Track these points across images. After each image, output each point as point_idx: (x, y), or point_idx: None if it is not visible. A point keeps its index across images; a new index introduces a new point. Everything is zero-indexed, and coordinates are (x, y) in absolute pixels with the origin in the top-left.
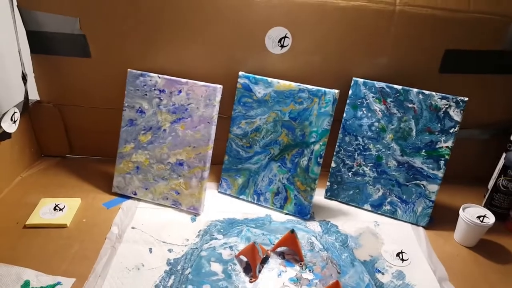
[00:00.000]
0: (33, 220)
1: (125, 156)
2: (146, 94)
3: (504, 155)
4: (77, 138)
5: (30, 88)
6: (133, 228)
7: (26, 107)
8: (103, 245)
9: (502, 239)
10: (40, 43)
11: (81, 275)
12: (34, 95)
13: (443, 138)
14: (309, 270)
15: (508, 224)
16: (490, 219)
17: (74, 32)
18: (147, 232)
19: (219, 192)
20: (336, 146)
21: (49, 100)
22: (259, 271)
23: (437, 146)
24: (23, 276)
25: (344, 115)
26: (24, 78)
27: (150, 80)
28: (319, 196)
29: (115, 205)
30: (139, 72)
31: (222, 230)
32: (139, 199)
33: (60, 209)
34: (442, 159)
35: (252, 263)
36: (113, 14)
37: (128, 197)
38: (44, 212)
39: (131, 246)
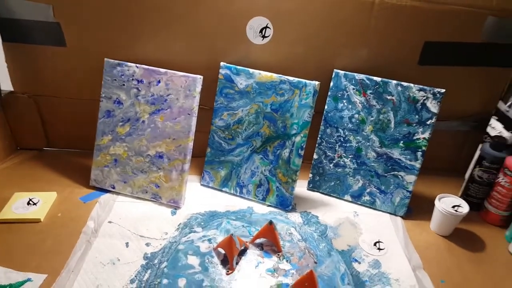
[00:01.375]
0: (4, 215)
1: (103, 148)
2: (123, 84)
3: (480, 146)
4: (53, 130)
5: (4, 78)
6: (110, 222)
7: None
8: (78, 239)
9: (476, 228)
10: (12, 31)
11: (53, 271)
12: (7, 86)
13: (421, 129)
14: (287, 261)
15: (483, 214)
16: (464, 208)
17: (48, 20)
18: (124, 226)
19: (201, 185)
20: (318, 138)
21: (24, 90)
22: (237, 263)
23: (415, 138)
24: None
25: (326, 107)
26: None
27: (128, 70)
28: (301, 187)
29: (92, 199)
30: (116, 61)
31: (202, 223)
32: (117, 193)
33: (34, 204)
34: (420, 150)
35: (229, 255)
36: (89, 1)
37: (106, 191)
38: (17, 206)
39: (107, 241)
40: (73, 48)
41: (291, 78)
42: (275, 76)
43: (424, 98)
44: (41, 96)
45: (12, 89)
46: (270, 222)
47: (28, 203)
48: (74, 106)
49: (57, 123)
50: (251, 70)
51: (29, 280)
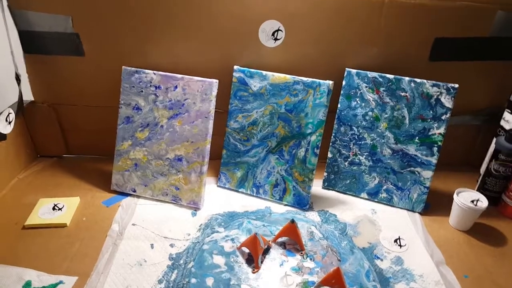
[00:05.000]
0: (32, 220)
1: (123, 153)
2: (142, 91)
3: (494, 140)
4: (73, 137)
5: (24, 88)
6: (133, 224)
7: (20, 107)
8: (104, 242)
9: (495, 222)
10: (32, 42)
11: (83, 273)
12: (28, 96)
13: (436, 125)
14: (310, 259)
15: (501, 208)
16: (484, 202)
17: (67, 31)
18: (148, 228)
19: (218, 186)
20: (332, 137)
21: (44, 100)
22: (261, 262)
23: (430, 133)
24: (24, 276)
25: (339, 105)
26: (17, 78)
27: (146, 77)
28: (317, 186)
29: (114, 202)
30: (134, 69)
31: (223, 223)
32: (138, 196)
33: (59, 209)
34: (435, 145)
35: (254, 254)
36: (106, 11)
37: (127, 194)
38: (43, 212)
39: (132, 243)
40: (91, 58)
41: (304, 79)
42: (288, 77)
43: (438, 93)
44: (60, 105)
45: (32, 99)
46: (292, 221)
47: (54, 209)
48: (93, 113)
49: (77, 131)
50: (264, 72)
51: (61, 282)
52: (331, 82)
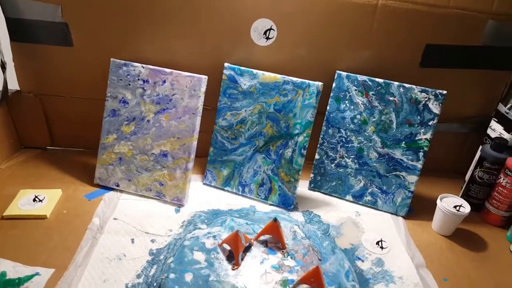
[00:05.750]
0: (11, 211)
1: (108, 147)
2: (129, 84)
3: (480, 147)
4: (58, 129)
5: (10, 77)
6: (115, 219)
7: (5, 96)
8: (84, 236)
9: (477, 229)
10: (20, 30)
11: (60, 266)
12: (14, 85)
13: (422, 130)
14: (291, 258)
15: (483, 214)
16: (466, 208)
17: (56, 20)
18: (130, 223)
19: (204, 184)
20: (320, 139)
21: (29, 89)
22: (242, 259)
23: (417, 138)
24: None
25: (328, 107)
26: (3, 66)
27: (134, 70)
28: (303, 187)
29: (96, 196)
30: (123, 61)
31: (206, 221)
32: (121, 191)
33: (40, 200)
34: (421, 151)
35: (235, 251)
36: (97, 2)
37: (111, 189)
38: (23, 203)
39: (112, 237)
40: (79, 48)
41: (294, 79)
42: (278, 76)
43: (426, 99)
44: (47, 95)
45: (18, 88)
46: (275, 219)
47: (34, 200)
48: (79, 105)
49: (62, 122)
50: (254, 71)
51: (37, 274)
52: (320, 83)
